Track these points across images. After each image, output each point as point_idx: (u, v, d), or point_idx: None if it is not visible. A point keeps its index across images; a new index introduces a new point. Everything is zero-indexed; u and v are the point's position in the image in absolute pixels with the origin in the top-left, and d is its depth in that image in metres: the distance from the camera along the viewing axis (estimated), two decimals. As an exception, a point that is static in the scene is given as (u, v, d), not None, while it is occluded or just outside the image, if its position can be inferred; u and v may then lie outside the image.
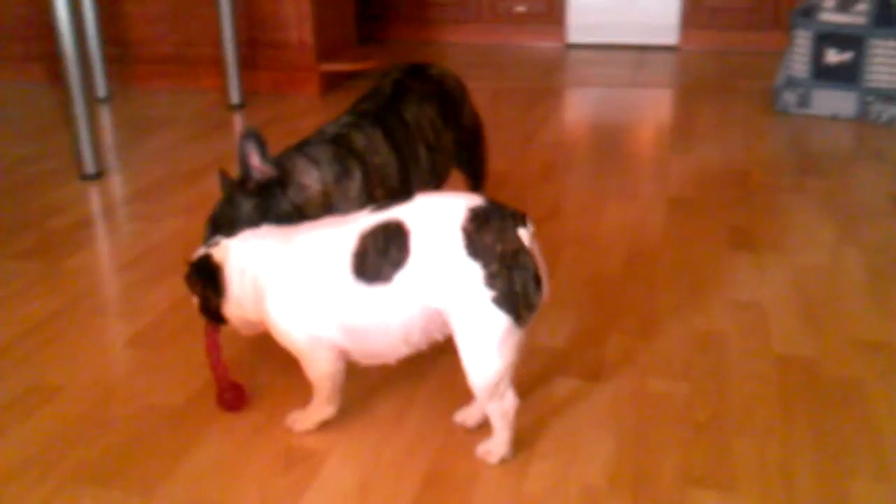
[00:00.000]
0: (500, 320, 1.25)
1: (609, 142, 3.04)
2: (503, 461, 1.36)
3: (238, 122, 3.35)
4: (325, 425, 1.46)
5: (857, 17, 3.09)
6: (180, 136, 3.17)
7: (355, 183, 1.59)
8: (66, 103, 2.64)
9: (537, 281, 1.26)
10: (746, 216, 2.33)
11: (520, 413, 1.47)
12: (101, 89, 3.68)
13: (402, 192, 1.64)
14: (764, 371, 1.61)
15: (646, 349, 1.69)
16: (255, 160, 1.48)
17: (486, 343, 1.27)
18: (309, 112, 3.47)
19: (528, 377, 1.59)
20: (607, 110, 3.48)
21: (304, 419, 1.45)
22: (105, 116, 3.45)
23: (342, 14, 3.90)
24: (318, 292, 1.33)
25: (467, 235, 1.25)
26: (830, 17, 3.14)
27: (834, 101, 3.20)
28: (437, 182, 1.81)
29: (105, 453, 1.40)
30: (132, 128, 3.30)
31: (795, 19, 3.23)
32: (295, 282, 1.35)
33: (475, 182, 2.11)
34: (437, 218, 1.28)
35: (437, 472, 1.34)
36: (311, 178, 1.55)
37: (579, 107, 3.58)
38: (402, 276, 1.28)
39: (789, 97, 3.28)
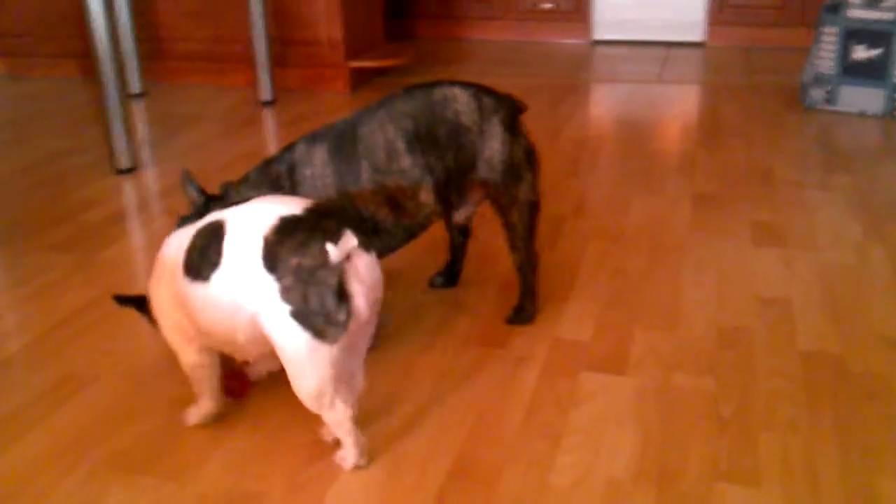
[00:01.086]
0: (299, 335, 1.22)
1: (635, 138, 3.04)
2: (357, 468, 1.35)
3: (268, 119, 3.39)
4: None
5: (885, 13, 3.07)
6: (212, 131, 3.22)
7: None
8: (100, 99, 2.69)
9: (341, 297, 1.21)
10: (772, 212, 2.33)
11: (545, 405, 1.50)
12: (134, 85, 3.73)
13: (345, 205, 1.59)
14: (789, 367, 1.62)
15: (671, 344, 1.70)
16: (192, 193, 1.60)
17: (293, 357, 1.25)
18: (338, 108, 3.50)
19: (553, 371, 1.61)
20: (633, 106, 3.48)
21: (193, 414, 1.47)
22: (138, 112, 3.51)
23: (371, 11, 3.92)
24: (171, 284, 1.36)
25: (266, 245, 1.22)
26: (859, 13, 3.12)
27: (861, 98, 3.19)
28: (389, 207, 1.62)
29: (137, 442, 1.44)
30: (165, 123, 3.35)
31: (823, 15, 3.22)
32: (162, 272, 1.38)
33: (454, 234, 1.91)
34: (249, 223, 1.26)
35: (463, 465, 1.37)
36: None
37: (605, 103, 3.59)
38: (217, 278, 1.27)
39: (816, 94, 3.27)
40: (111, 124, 2.70)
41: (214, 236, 1.28)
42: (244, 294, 1.24)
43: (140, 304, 1.49)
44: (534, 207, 1.72)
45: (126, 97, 3.65)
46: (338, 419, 1.31)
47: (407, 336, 1.75)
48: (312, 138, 1.63)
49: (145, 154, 2.96)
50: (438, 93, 1.64)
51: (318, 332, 1.21)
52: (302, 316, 1.21)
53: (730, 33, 4.51)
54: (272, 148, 3.11)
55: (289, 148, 1.64)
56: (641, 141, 3.01)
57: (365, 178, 1.59)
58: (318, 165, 1.59)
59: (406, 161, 1.60)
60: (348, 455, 1.35)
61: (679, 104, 3.55)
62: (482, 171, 1.67)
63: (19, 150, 3.03)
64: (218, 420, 1.48)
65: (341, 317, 1.21)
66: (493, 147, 1.65)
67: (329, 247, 1.20)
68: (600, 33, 4.69)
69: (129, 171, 2.74)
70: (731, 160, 2.77)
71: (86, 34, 2.64)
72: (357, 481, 1.33)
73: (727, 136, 3.03)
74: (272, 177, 1.61)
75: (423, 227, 1.67)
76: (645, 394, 1.54)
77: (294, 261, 1.20)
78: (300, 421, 1.48)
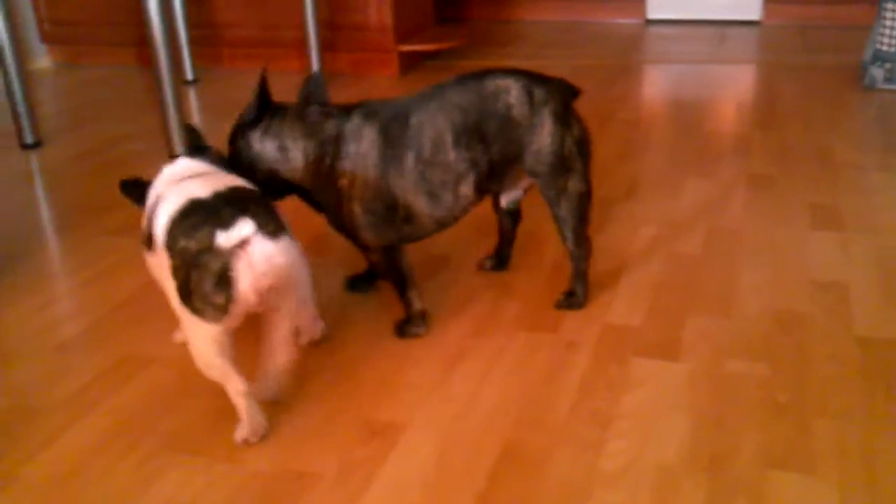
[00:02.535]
0: (182, 311, 1.32)
1: (688, 119, 3.00)
2: (246, 442, 1.39)
3: (319, 103, 3.41)
4: (403, 400, 1.50)
5: (952, -12, 2.97)
6: (263, 116, 3.25)
7: (324, 167, 1.59)
8: (155, 86, 2.73)
9: (222, 282, 1.27)
10: (830, 195, 2.28)
11: (595, 390, 1.49)
12: (188, 72, 3.79)
13: (381, 189, 1.59)
14: (846, 352, 1.59)
15: (724, 329, 1.68)
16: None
17: (184, 328, 1.36)
18: (388, 92, 3.51)
19: (603, 356, 1.60)
20: (687, 87, 3.43)
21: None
22: (192, 98, 3.56)
23: (420, -6, 3.92)
24: None
25: (170, 225, 1.32)
26: (924, -12, 3.03)
27: (926, 76, 3.10)
28: (428, 197, 1.61)
29: (193, 422, 1.47)
30: (218, 109, 3.39)
31: (886, -9, 3.13)
32: None
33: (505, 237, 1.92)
34: (171, 201, 1.36)
35: (513, 448, 1.37)
36: (297, 147, 1.60)
37: (659, 84, 3.54)
38: (152, 250, 1.39)
39: (877, 73, 3.18)
40: (166, 111, 2.74)
41: (154, 210, 1.40)
42: (162, 267, 1.35)
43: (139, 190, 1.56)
44: (583, 198, 1.70)
45: (180, 83, 3.70)
46: (232, 392, 1.38)
47: (456, 320, 1.75)
48: (366, 114, 1.62)
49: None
50: (490, 84, 1.63)
51: (197, 311, 1.30)
52: (183, 294, 1.30)
53: (787, 11, 4.41)
54: (324, 132, 3.13)
55: (345, 113, 1.62)
56: (695, 122, 2.96)
57: (408, 166, 1.59)
58: (364, 144, 1.59)
59: (452, 155, 1.60)
60: (240, 429, 1.40)
61: (734, 84, 3.48)
62: (529, 163, 1.66)
63: (78, 136, 3.10)
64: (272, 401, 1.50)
65: (219, 300, 1.28)
66: (541, 140, 1.64)
67: (219, 233, 1.26)
68: (654, 12, 4.62)
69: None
70: (788, 141, 2.72)
71: (141, 22, 2.68)
72: (408, 463, 1.34)
73: (784, 117, 2.97)
74: (319, 135, 1.60)
75: (456, 218, 1.67)
76: (697, 379, 1.53)
77: (181, 243, 1.29)
78: (354, 401, 1.50)
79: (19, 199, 2.52)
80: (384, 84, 3.63)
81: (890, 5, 3.09)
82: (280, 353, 1.44)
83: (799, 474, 1.29)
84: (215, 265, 1.27)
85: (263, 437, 1.41)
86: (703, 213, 2.21)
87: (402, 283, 1.68)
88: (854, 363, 1.55)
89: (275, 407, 1.49)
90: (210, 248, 1.26)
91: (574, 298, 1.78)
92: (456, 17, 4.94)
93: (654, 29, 4.50)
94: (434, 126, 1.59)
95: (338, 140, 1.59)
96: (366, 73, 3.78)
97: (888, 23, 3.10)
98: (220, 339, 1.34)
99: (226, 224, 1.27)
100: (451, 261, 2.01)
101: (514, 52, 4.09)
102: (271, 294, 1.33)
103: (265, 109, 1.63)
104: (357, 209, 1.59)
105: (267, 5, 3.86)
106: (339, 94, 3.50)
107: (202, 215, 1.29)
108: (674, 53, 3.96)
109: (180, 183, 1.42)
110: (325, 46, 3.69)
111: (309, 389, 1.54)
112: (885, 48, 3.13)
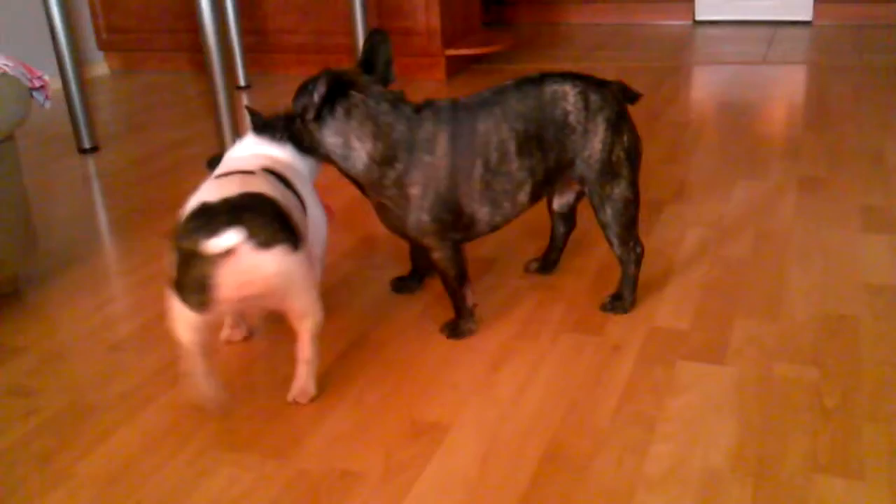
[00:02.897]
0: (172, 297, 1.40)
1: (738, 121, 2.97)
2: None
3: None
4: (448, 401, 1.51)
5: None
6: (312, 121, 3.29)
7: (393, 173, 1.58)
8: (209, 91, 2.79)
9: (203, 284, 1.34)
10: (882, 196, 2.24)
11: (640, 394, 1.49)
12: (241, 78, 3.85)
13: (450, 200, 1.60)
14: (897, 357, 1.56)
15: (773, 333, 1.66)
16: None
17: (168, 297, 1.43)
18: (436, 96, 3.53)
19: (649, 359, 1.60)
20: (737, 88, 3.39)
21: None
22: (245, 103, 3.62)
23: (468, -2, 3.94)
24: None
25: (181, 220, 1.39)
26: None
27: (985, 76, 3.02)
28: (491, 205, 1.63)
29: (243, 420, 1.50)
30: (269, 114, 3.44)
31: (943, -11, 3.06)
32: None
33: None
34: (198, 194, 1.45)
35: (556, 450, 1.38)
36: (363, 148, 1.58)
37: (708, 85, 3.51)
38: None
39: (935, 72, 3.12)
40: (220, 116, 2.80)
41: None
42: None
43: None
44: (629, 204, 1.70)
45: (234, 89, 3.76)
46: (188, 366, 1.46)
47: (502, 322, 1.76)
48: (437, 120, 1.61)
49: (251, 144, 3.05)
50: (549, 90, 1.64)
51: (182, 301, 1.38)
52: (173, 283, 1.39)
53: (838, 11, 4.33)
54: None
55: (415, 114, 1.61)
56: (745, 124, 2.93)
57: (476, 176, 1.60)
58: (438, 154, 1.59)
59: (514, 164, 1.61)
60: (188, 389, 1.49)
61: (785, 85, 3.44)
62: (579, 169, 1.67)
63: (134, 141, 3.17)
64: (321, 398, 1.53)
65: (201, 299, 1.36)
66: (593, 146, 1.65)
67: (207, 240, 1.31)
68: (703, 13, 4.58)
69: (236, 160, 2.84)
70: (839, 143, 2.68)
71: (196, 29, 2.74)
72: (453, 463, 1.36)
73: (836, 118, 2.92)
74: (388, 138, 1.58)
75: (508, 222, 1.68)
76: (744, 383, 1.51)
77: (181, 241, 1.36)
78: (399, 401, 1.52)
79: (77, 203, 2.59)
80: (431, 87, 3.65)
81: (947, 3, 3.03)
82: (302, 351, 1.51)
83: (847, 479, 1.27)
84: (199, 270, 1.34)
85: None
86: (753, 216, 2.18)
87: (459, 279, 1.69)
88: (906, 368, 1.53)
89: (322, 405, 1.52)
90: (197, 253, 1.33)
91: (619, 302, 1.78)
92: (502, 21, 4.95)
93: (702, 30, 4.46)
94: (499, 134, 1.61)
95: (410, 147, 1.59)
96: (413, 77, 3.81)
97: (945, 21, 3.04)
98: (198, 326, 1.41)
99: (216, 232, 1.32)
100: (497, 263, 2.02)
101: (561, 54, 4.09)
102: (259, 299, 1.41)
103: (332, 101, 1.59)
104: (425, 217, 1.60)
105: (318, 12, 3.91)
106: (388, 99, 3.52)
107: (203, 219, 1.36)
108: (723, 55, 3.92)
109: (212, 179, 1.52)
110: (374, 51, 3.72)
111: (354, 389, 1.57)
112: (941, 47, 3.07)
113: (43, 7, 2.96)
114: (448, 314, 1.76)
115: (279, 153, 1.66)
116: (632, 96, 1.71)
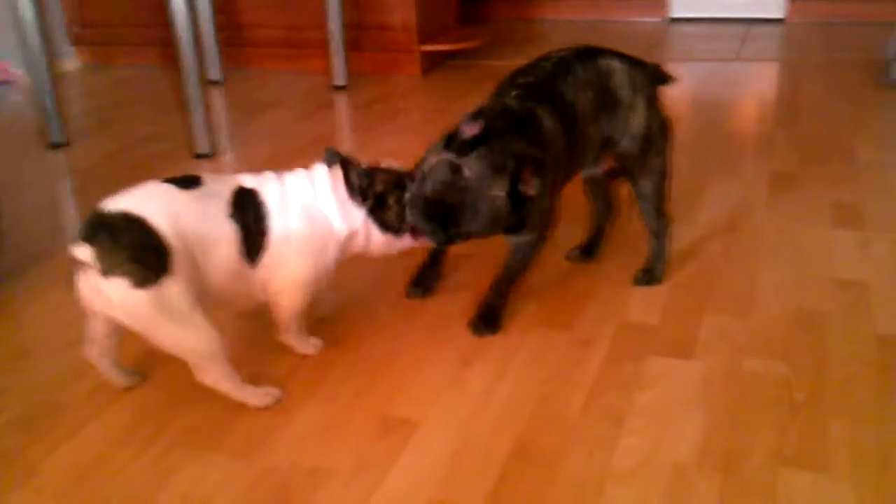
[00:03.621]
0: None
1: (711, 118, 2.99)
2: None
3: (341, 103, 3.43)
4: (418, 397, 1.51)
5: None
6: (287, 116, 3.28)
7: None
8: (180, 86, 2.77)
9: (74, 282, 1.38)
10: (852, 193, 2.26)
11: (609, 388, 1.49)
12: (213, 72, 3.82)
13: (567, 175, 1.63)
14: (865, 351, 1.57)
15: (743, 328, 1.67)
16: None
17: None
18: (410, 92, 3.53)
19: (619, 354, 1.60)
20: (710, 85, 3.41)
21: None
22: (217, 98, 3.59)
23: (443, -6, 3.93)
24: None
25: None
26: (951, -16, 2.99)
27: (951, 73, 3.06)
28: (565, 177, 1.67)
29: (210, 418, 1.48)
30: (243, 109, 3.42)
31: (913, -13, 3.09)
32: None
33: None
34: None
35: (526, 445, 1.38)
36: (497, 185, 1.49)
37: (681, 82, 3.51)
38: None
39: (903, 69, 3.14)
40: (191, 110, 2.77)
41: None
42: None
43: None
44: (664, 176, 1.79)
45: (206, 84, 3.74)
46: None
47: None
48: (536, 99, 1.58)
49: (223, 139, 3.03)
50: (603, 63, 1.70)
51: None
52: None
53: (811, 8, 4.36)
54: (344, 132, 3.16)
55: (520, 111, 1.56)
56: (718, 121, 2.95)
57: (583, 146, 1.65)
58: (555, 135, 1.58)
59: (592, 130, 1.66)
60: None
61: (758, 83, 3.46)
62: (623, 144, 1.73)
63: (105, 136, 3.14)
64: (289, 396, 1.52)
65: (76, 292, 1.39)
66: (638, 122, 1.72)
67: (75, 244, 1.34)
68: (678, 10, 4.60)
69: (209, 155, 2.82)
70: (811, 139, 2.70)
71: (167, 23, 2.71)
72: (422, 459, 1.35)
73: (807, 115, 2.94)
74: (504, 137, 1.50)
75: None
76: (713, 378, 1.52)
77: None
78: (369, 397, 1.51)
79: (46, 198, 2.56)
80: (405, 83, 3.64)
81: (916, 2, 3.06)
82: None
83: (813, 473, 1.28)
84: (72, 267, 1.37)
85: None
86: (724, 212, 2.20)
87: (521, 275, 1.72)
88: (873, 362, 1.54)
89: (290, 403, 1.51)
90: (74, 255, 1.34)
91: (652, 275, 1.84)
92: (478, 17, 4.95)
93: (677, 27, 4.48)
94: (583, 102, 1.64)
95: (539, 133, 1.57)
96: (388, 73, 3.79)
97: (914, 19, 3.07)
98: (90, 315, 1.44)
99: (79, 239, 1.34)
100: (471, 259, 2.01)
101: (537, 50, 4.06)
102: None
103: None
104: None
105: (292, 6, 3.88)
106: (362, 94, 3.52)
107: (86, 221, 1.38)
108: (697, 52, 3.94)
109: (152, 184, 1.51)
110: (349, 46, 3.71)
111: (324, 386, 1.56)
112: (911, 45, 3.10)
113: (13, 0, 2.91)
114: (418, 311, 1.75)
115: (331, 203, 1.54)
116: (665, 79, 1.78)
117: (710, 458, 1.32)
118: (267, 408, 1.49)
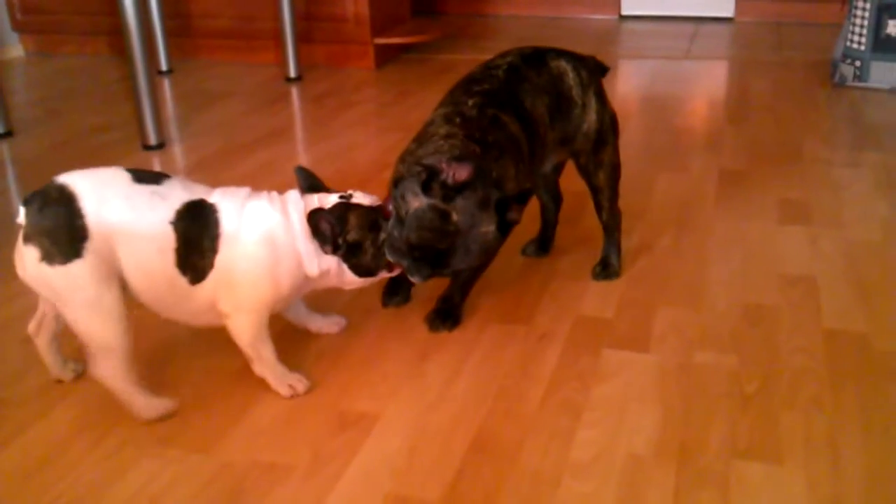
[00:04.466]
0: None
1: (661, 114, 3.02)
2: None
3: (294, 95, 3.40)
4: (376, 392, 1.51)
5: (921, -13, 3.01)
6: (239, 108, 3.24)
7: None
8: (129, 76, 2.72)
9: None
10: (800, 190, 2.31)
11: (566, 382, 1.51)
12: (162, 62, 3.76)
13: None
14: (813, 345, 1.61)
15: (694, 322, 1.70)
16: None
17: None
18: (364, 85, 3.51)
19: (575, 348, 1.62)
20: (660, 83, 3.45)
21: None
22: (167, 89, 3.53)
23: (397, -13, 3.91)
24: None
25: None
26: (893, -13, 3.07)
27: (892, 74, 3.14)
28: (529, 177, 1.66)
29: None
30: (192, 100, 3.37)
31: (857, -11, 3.17)
32: None
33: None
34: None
35: (484, 439, 1.38)
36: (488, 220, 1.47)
37: (632, 79, 3.56)
38: None
39: (847, 70, 3.22)
40: (140, 101, 2.73)
41: None
42: None
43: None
44: (616, 168, 1.82)
45: (155, 74, 3.67)
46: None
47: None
48: (496, 106, 1.56)
49: (173, 130, 2.99)
50: (553, 66, 1.70)
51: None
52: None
53: (759, 8, 4.45)
54: (298, 124, 3.13)
55: (481, 118, 1.53)
56: (668, 117, 2.99)
57: (544, 150, 1.67)
58: (517, 136, 1.58)
59: (550, 134, 1.67)
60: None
61: (707, 80, 3.52)
62: (578, 142, 1.75)
63: (51, 126, 3.07)
64: (246, 390, 1.50)
65: None
66: (591, 119, 1.74)
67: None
68: (629, 8, 4.64)
69: (158, 147, 2.77)
70: (759, 137, 2.75)
71: (116, 11, 2.66)
72: (380, 453, 1.35)
73: (756, 113, 3.00)
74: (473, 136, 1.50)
75: None
76: (667, 371, 1.54)
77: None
78: (327, 392, 1.50)
79: (-10, 190, 2.50)
80: (359, 76, 3.62)
81: (860, 3, 3.13)
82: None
83: (765, 464, 1.31)
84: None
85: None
86: (675, 208, 2.23)
87: (483, 270, 1.71)
88: (821, 355, 1.58)
89: (247, 398, 1.49)
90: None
91: (610, 268, 1.86)
92: (432, 11, 4.94)
93: (628, 24, 4.53)
94: (538, 108, 1.64)
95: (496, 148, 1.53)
96: (341, 66, 3.77)
97: (858, 21, 3.14)
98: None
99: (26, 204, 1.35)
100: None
101: (491, 46, 4.10)
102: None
103: None
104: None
105: (242, -4, 3.84)
106: (315, 87, 3.49)
107: (41, 192, 1.37)
108: (647, 49, 3.98)
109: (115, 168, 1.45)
110: (301, 38, 3.67)
111: (282, 380, 1.54)
112: (854, 46, 3.17)
113: (-47, -15, 2.83)
114: (375, 306, 1.75)
115: (302, 241, 1.45)
116: (604, 69, 1.81)
117: (665, 450, 1.34)
118: (152, 420, 1.43)
